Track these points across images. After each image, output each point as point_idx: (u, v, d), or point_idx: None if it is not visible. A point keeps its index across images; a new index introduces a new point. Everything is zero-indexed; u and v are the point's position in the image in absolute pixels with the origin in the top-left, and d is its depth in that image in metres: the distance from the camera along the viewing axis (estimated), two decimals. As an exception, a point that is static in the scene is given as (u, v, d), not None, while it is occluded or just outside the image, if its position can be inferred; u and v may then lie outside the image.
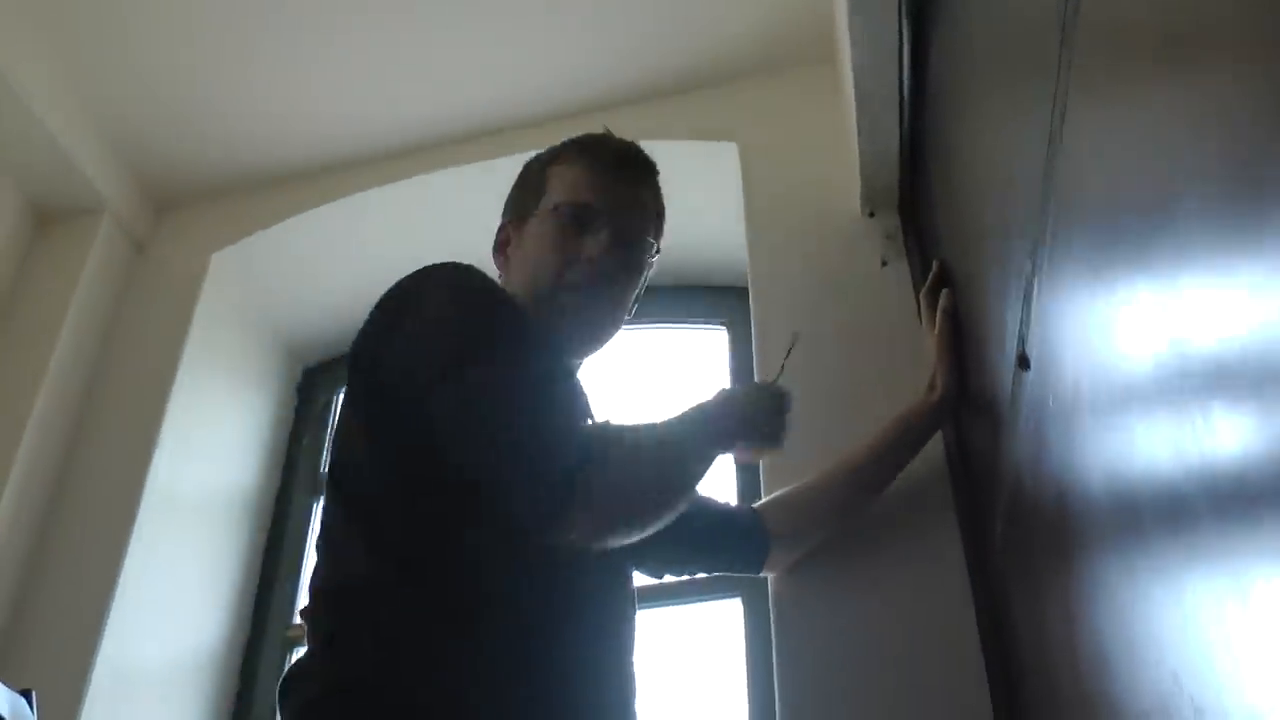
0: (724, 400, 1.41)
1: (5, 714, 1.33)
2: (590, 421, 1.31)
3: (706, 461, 1.35)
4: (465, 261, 1.42)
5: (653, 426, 1.32)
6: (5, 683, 1.34)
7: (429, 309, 1.36)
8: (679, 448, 1.33)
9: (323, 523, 1.39)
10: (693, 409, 1.37)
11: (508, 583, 1.26)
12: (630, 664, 1.41)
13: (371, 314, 1.40)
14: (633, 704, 1.37)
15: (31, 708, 1.39)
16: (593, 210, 1.51)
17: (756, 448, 1.48)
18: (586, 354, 1.56)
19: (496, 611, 1.25)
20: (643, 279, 1.59)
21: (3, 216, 2.68)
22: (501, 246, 1.60)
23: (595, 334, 1.54)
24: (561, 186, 1.54)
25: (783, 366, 1.57)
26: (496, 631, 1.24)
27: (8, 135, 2.60)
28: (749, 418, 1.43)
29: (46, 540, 2.35)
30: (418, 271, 1.41)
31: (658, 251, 1.60)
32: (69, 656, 2.15)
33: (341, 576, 1.32)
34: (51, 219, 2.77)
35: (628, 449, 1.26)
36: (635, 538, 1.27)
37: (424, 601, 1.25)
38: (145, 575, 2.30)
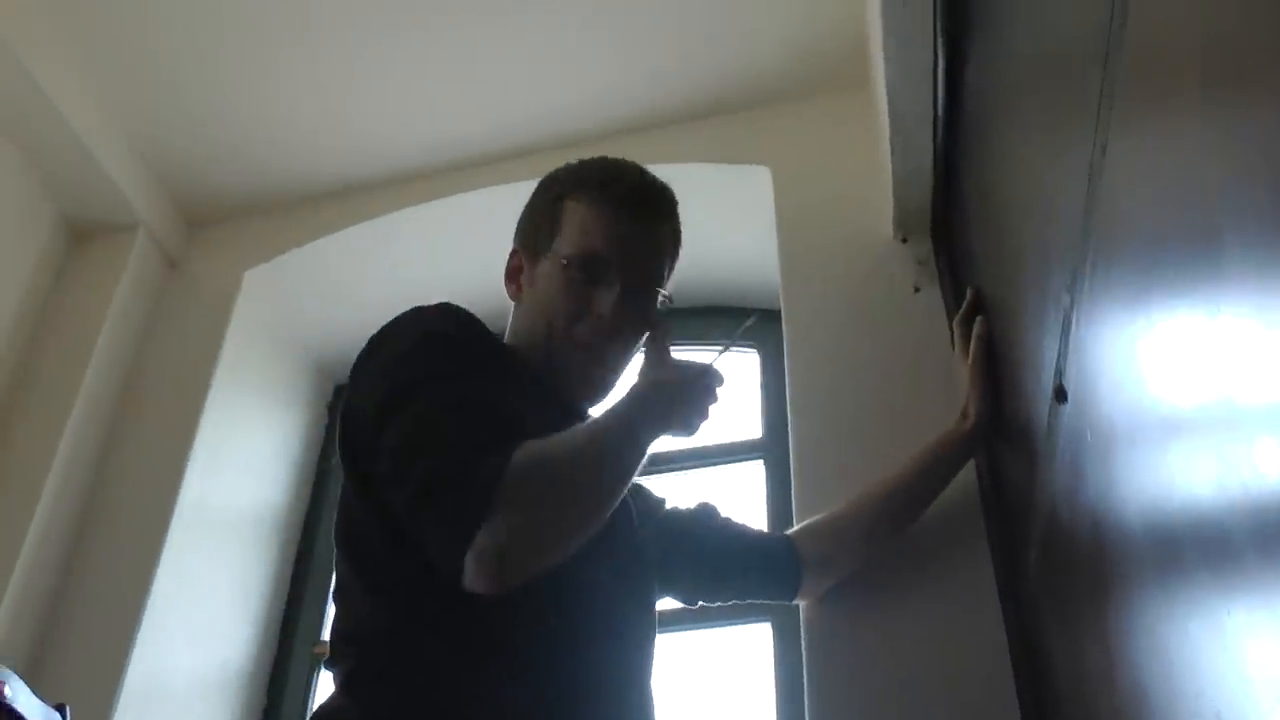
0: (655, 385, 1.36)
1: None
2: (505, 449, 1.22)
3: (639, 454, 1.29)
4: (470, 290, 1.43)
5: (576, 433, 1.27)
6: (40, 696, 1.35)
7: (389, 355, 1.36)
8: (605, 451, 1.26)
9: (335, 573, 1.40)
10: (625, 399, 1.34)
11: (517, 617, 1.25)
12: (649, 688, 1.40)
13: (357, 358, 1.42)
14: None
15: (65, 720, 1.40)
16: (604, 261, 1.48)
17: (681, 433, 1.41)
18: (591, 403, 1.53)
19: (508, 645, 1.25)
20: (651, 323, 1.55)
21: (39, 232, 2.71)
22: (513, 274, 1.58)
23: (600, 387, 1.52)
24: (574, 231, 1.50)
25: (726, 347, 1.49)
26: (509, 665, 1.24)
27: (44, 151, 2.63)
28: (682, 402, 1.37)
29: (79, 555, 2.36)
30: (400, 315, 1.42)
31: (670, 297, 1.56)
32: (100, 671, 2.16)
33: (353, 624, 1.32)
34: (87, 235, 2.80)
35: (537, 482, 1.18)
36: (553, 563, 1.21)
37: (434, 642, 1.25)
38: (176, 591, 2.31)
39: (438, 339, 1.36)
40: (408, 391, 1.28)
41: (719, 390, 1.42)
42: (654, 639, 1.45)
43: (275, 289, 2.81)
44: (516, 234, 1.61)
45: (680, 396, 1.36)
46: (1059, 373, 1.20)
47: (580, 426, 1.29)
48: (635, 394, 1.34)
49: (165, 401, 2.58)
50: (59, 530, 2.36)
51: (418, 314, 1.41)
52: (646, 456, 1.30)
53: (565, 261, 1.48)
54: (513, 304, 1.58)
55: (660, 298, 1.54)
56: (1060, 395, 1.21)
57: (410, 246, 2.81)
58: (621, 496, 1.27)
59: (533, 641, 1.26)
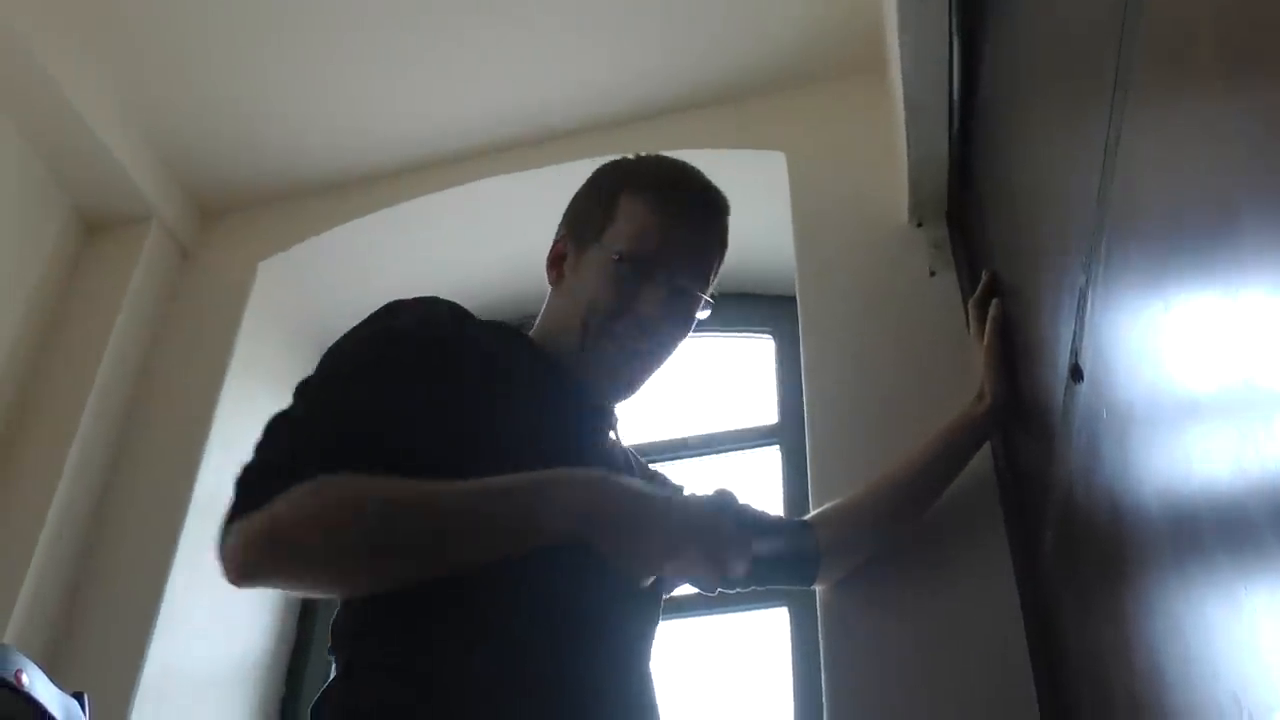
0: (594, 492, 1.20)
1: (59, 716, 1.34)
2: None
3: (500, 545, 1.19)
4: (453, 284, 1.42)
5: (425, 492, 1.18)
6: (58, 685, 1.36)
7: (334, 345, 1.36)
8: (446, 520, 1.18)
9: None
10: (534, 483, 1.20)
11: (514, 605, 1.23)
12: (649, 674, 1.37)
13: None
14: (651, 714, 1.34)
15: (84, 710, 1.41)
16: (655, 263, 1.46)
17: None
18: (619, 399, 1.53)
19: (505, 632, 1.23)
20: (693, 327, 1.55)
21: (51, 224, 2.71)
22: (557, 260, 1.56)
23: (629, 385, 1.51)
24: (629, 227, 1.48)
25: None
26: (506, 652, 1.22)
27: (55, 143, 2.63)
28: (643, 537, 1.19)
29: (96, 547, 2.37)
30: (382, 305, 1.41)
31: (713, 300, 1.56)
32: (118, 661, 2.17)
33: (350, 613, 1.31)
34: (100, 227, 2.80)
35: (315, 510, 1.15)
36: (314, 592, 1.21)
37: (428, 629, 1.24)
38: (193, 582, 2.32)
39: (376, 340, 1.34)
40: (306, 387, 1.31)
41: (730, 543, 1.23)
42: (656, 625, 1.44)
43: (290, 279, 2.81)
44: (565, 219, 1.59)
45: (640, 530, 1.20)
46: (1075, 352, 1.20)
47: (449, 487, 1.19)
48: (555, 482, 1.21)
49: (180, 393, 2.58)
50: (75, 523, 2.37)
51: (386, 309, 1.39)
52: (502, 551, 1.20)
53: (617, 256, 1.47)
54: (550, 289, 1.57)
55: (703, 302, 1.53)
56: (1076, 374, 1.20)
57: (426, 234, 2.80)
58: (425, 574, 1.20)
59: (529, 629, 1.24)
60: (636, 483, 1.22)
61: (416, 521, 1.17)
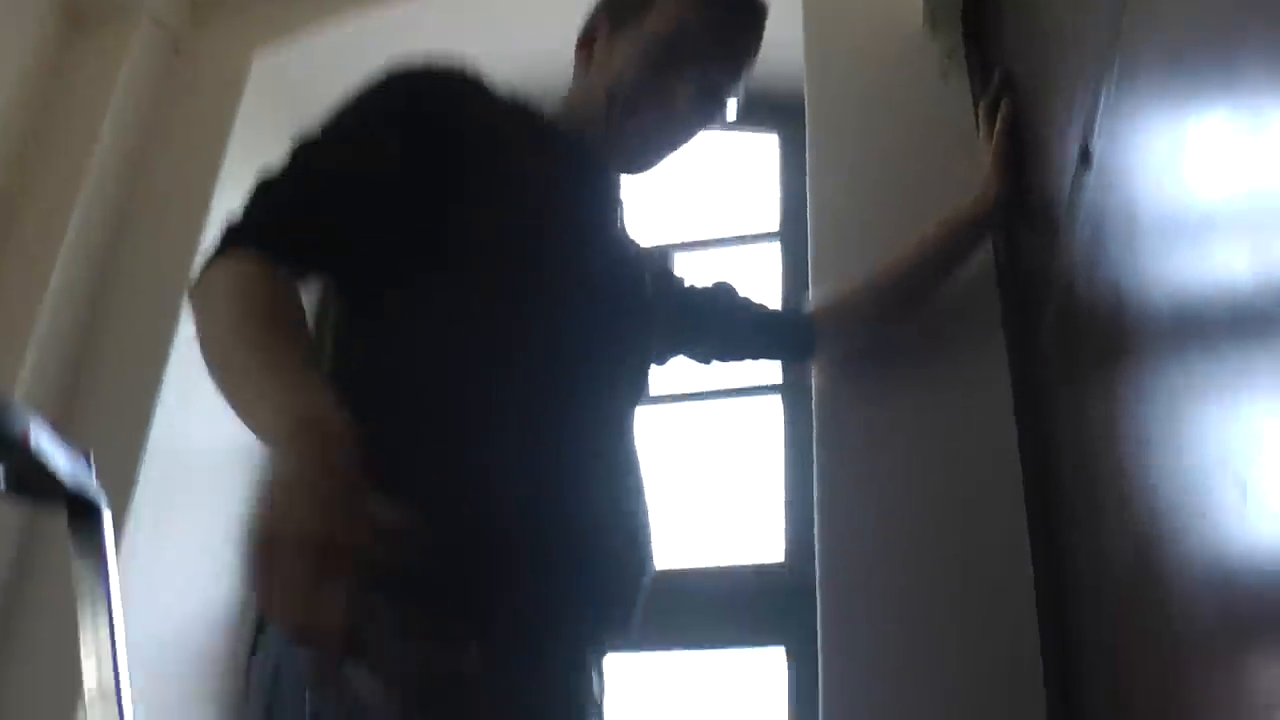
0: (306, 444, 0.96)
1: (66, 473, 1.36)
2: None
3: (238, 405, 1.09)
4: (444, 60, 1.40)
5: (259, 336, 1.11)
6: (65, 443, 1.36)
7: (336, 106, 1.36)
8: (237, 361, 1.12)
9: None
10: (294, 385, 1.06)
11: (510, 379, 1.24)
12: (634, 450, 1.36)
13: None
14: (634, 489, 1.33)
15: (89, 467, 1.42)
16: (690, 55, 1.46)
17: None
18: (630, 173, 1.53)
19: (497, 404, 1.22)
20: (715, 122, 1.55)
21: (34, 18, 2.63)
22: (588, 42, 1.55)
23: (646, 164, 1.52)
24: (667, 15, 1.47)
25: None
26: (501, 424, 1.21)
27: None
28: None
29: (90, 349, 2.39)
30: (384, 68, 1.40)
31: (739, 101, 1.55)
32: (122, 434, 2.21)
33: (345, 364, 1.32)
34: (86, 20, 2.71)
35: (210, 289, 1.16)
36: None
37: (414, 376, 1.24)
38: (190, 373, 2.31)
39: (364, 105, 1.35)
40: (295, 146, 1.31)
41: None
42: (640, 399, 1.44)
43: (287, 71, 2.74)
44: (602, 1, 1.58)
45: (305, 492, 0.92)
46: (1085, 136, 1.19)
47: (264, 332, 1.12)
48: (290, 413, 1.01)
49: (174, 191, 2.55)
50: (64, 337, 2.38)
51: (385, 72, 1.38)
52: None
53: (651, 42, 1.46)
54: (575, 70, 1.56)
55: (730, 100, 1.52)
56: (1085, 157, 1.20)
57: (430, 28, 2.71)
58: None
59: (523, 403, 1.23)
60: (346, 464, 0.95)
61: (216, 342, 1.14)
